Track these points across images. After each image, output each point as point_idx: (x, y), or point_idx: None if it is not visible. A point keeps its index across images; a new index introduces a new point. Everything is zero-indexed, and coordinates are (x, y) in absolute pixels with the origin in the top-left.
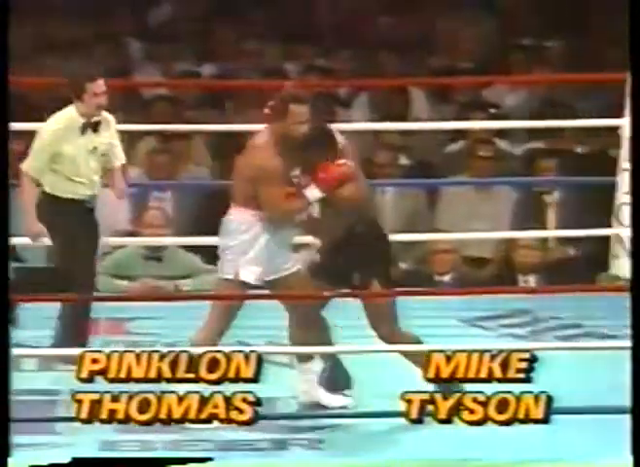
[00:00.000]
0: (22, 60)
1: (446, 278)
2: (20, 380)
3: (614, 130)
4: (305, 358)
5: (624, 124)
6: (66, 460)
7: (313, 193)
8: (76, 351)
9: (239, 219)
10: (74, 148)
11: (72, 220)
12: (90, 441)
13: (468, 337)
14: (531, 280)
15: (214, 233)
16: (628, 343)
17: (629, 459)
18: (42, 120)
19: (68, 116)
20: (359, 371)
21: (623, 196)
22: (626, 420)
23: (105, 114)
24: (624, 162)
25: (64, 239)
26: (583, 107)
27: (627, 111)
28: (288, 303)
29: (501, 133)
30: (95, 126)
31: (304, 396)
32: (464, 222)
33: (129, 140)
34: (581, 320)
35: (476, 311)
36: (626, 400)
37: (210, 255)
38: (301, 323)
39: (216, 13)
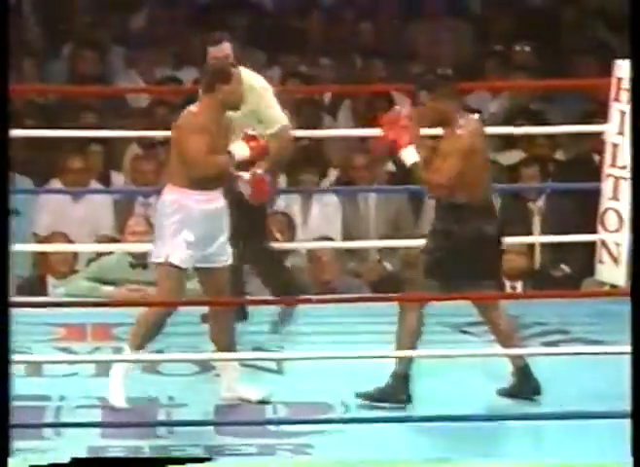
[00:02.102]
0: None
1: None
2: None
3: (596, 136)
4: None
5: (608, 129)
6: (65, 460)
7: (240, 149)
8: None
9: (170, 199)
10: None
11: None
12: (78, 446)
13: (455, 342)
14: (518, 286)
15: None
16: (613, 349)
17: (630, 460)
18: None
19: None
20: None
21: (608, 201)
22: (613, 424)
23: (250, 79)
24: (608, 168)
25: None
26: (555, 113)
27: (611, 116)
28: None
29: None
30: None
31: (227, 392)
32: None
33: (115, 147)
34: (566, 326)
35: (462, 317)
36: (612, 405)
37: None
38: (220, 323)
39: (196, 18)
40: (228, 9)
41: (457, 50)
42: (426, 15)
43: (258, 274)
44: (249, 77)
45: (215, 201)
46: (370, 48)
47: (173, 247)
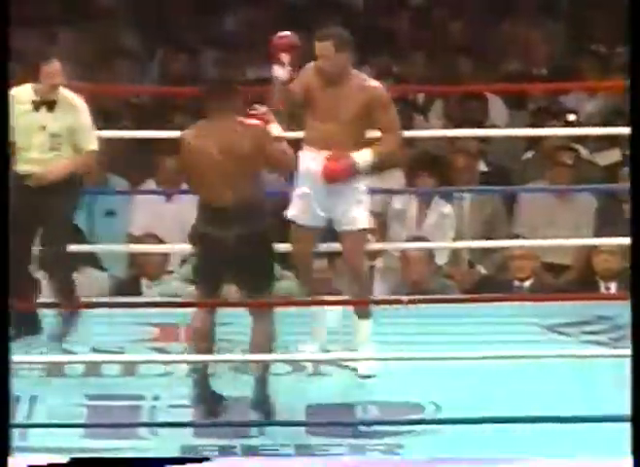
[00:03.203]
0: (93, 67)
1: (527, 284)
2: (101, 387)
3: None
4: (365, 315)
5: None
6: (65, 460)
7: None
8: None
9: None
10: (24, 122)
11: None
12: (172, 446)
13: (549, 343)
14: (612, 287)
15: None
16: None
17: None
18: None
19: (23, 92)
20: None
21: None
22: None
23: (73, 98)
24: None
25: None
26: None
27: None
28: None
29: (581, 140)
30: (51, 106)
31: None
32: (543, 228)
33: None
34: None
35: (556, 318)
36: None
37: (284, 262)
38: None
39: (287, 19)
40: (318, 9)
41: (550, 49)
42: (517, 13)
43: (49, 274)
44: (71, 96)
45: None
46: (461, 47)
47: (293, 204)
